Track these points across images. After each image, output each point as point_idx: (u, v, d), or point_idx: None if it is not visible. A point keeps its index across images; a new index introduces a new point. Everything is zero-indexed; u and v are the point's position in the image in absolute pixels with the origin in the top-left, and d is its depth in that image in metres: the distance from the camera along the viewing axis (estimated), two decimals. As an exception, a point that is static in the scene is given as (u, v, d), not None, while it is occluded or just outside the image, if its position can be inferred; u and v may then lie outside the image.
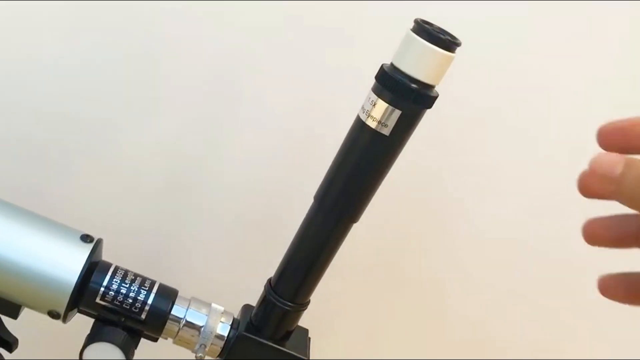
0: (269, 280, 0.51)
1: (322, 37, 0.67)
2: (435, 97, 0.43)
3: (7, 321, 0.54)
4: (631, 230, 0.34)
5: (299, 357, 0.51)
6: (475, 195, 0.78)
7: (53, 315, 0.50)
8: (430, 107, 0.43)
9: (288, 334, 0.52)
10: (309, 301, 0.51)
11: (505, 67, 0.71)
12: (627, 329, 0.84)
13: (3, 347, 0.56)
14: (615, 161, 0.30)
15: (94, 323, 0.51)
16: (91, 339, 0.49)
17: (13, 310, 0.50)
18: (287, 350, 0.51)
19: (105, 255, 0.53)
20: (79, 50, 0.67)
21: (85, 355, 0.49)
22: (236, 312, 0.54)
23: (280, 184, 0.74)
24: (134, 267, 0.53)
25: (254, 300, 0.54)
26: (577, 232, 0.34)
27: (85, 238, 0.50)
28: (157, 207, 0.75)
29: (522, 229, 0.80)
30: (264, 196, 0.75)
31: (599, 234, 0.34)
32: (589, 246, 0.34)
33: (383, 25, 0.63)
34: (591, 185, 0.31)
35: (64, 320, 0.50)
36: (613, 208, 0.32)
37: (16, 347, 0.57)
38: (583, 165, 0.31)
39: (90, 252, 0.50)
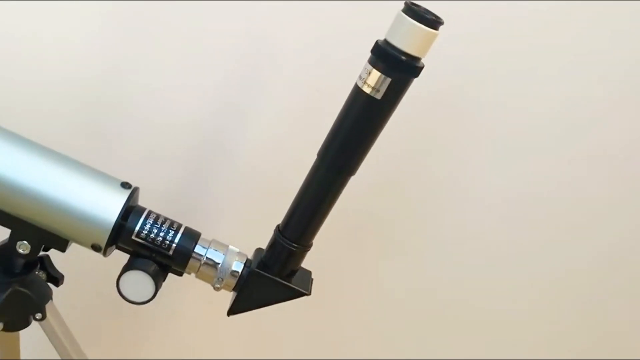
0: (278, 226, 0.60)
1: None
2: (421, 68, 0.51)
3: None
4: None
5: (301, 291, 0.59)
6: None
7: (95, 248, 0.58)
8: (417, 76, 0.51)
9: (293, 272, 0.60)
10: (312, 244, 0.60)
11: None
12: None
13: (51, 282, 0.66)
14: None
15: (129, 258, 0.60)
16: (127, 268, 0.58)
17: (62, 244, 0.59)
18: (292, 285, 0.59)
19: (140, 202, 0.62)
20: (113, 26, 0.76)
21: (122, 280, 0.58)
22: (250, 254, 0.62)
23: (289, 142, 0.82)
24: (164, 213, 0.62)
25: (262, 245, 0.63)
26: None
27: (125, 185, 0.59)
28: (185, 163, 0.84)
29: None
30: (274, 153, 0.83)
31: None
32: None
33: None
34: None
35: (105, 253, 0.59)
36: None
37: (62, 282, 0.66)
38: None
39: (128, 197, 0.58)
